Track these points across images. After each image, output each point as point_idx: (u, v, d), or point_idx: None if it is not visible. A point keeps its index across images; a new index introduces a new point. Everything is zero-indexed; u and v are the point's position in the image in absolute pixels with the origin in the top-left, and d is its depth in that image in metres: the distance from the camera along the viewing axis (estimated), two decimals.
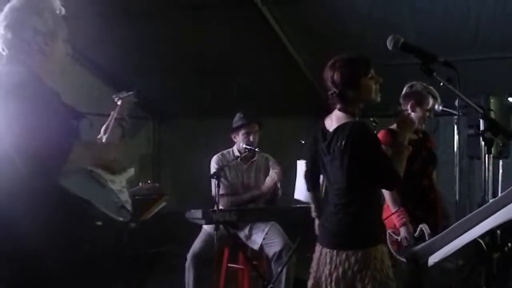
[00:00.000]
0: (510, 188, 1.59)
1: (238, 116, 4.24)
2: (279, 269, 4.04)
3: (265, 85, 7.32)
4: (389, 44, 2.32)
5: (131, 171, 2.43)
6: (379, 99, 2.75)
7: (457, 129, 5.05)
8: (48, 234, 1.99)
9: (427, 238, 3.15)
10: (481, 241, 1.76)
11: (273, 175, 4.29)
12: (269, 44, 7.37)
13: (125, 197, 2.24)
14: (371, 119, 4.05)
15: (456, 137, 4.76)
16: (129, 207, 2.23)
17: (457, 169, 4.41)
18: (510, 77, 7.27)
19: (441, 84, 2.53)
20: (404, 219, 3.45)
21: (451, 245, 1.71)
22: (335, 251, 2.64)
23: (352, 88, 2.67)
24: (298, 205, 4.37)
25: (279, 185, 4.34)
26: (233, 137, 4.23)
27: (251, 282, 4.27)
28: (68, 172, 1.98)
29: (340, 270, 2.63)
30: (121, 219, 2.13)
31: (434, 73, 2.26)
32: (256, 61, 7.53)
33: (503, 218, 1.57)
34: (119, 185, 2.26)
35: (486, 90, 5.52)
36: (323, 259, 2.70)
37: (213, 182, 3.95)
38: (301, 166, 4.63)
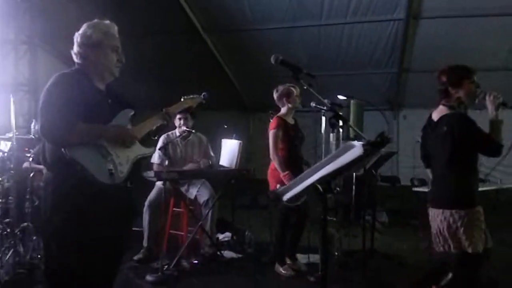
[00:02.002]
0: (336, 150, 1.80)
1: None
2: (207, 212, 4.45)
3: (202, 90, 7.57)
4: (273, 60, 2.35)
5: (145, 150, 2.45)
6: None
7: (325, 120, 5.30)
8: (55, 193, 2.17)
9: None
10: (318, 185, 1.83)
11: (205, 162, 4.68)
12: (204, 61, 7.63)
13: (123, 168, 2.26)
14: (270, 112, 4.39)
15: (323, 125, 4.87)
16: (120, 175, 2.24)
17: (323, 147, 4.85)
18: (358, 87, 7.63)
19: (304, 87, 2.89)
20: (290, 179, 3.62)
21: (299, 187, 1.87)
22: (441, 210, 2.67)
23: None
24: (221, 169, 4.61)
25: (213, 157, 4.81)
26: (175, 122, 4.49)
27: (189, 221, 4.55)
28: (82, 145, 2.13)
29: (445, 224, 2.63)
30: (106, 181, 2.15)
31: (301, 80, 2.35)
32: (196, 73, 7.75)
33: (331, 169, 1.75)
34: (124, 159, 2.28)
35: (349, 95, 6.00)
36: (433, 218, 2.74)
37: (161, 153, 4.30)
38: (225, 143, 4.93)
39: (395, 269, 4.28)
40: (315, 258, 4.21)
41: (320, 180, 1.85)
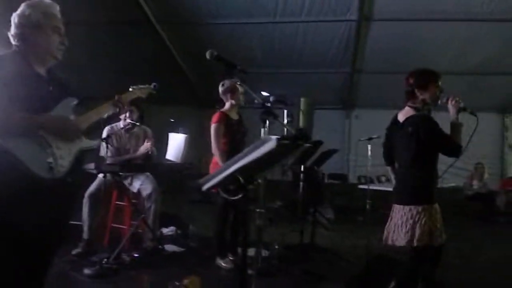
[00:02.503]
0: (254, 143, 1.81)
1: None
2: (150, 205, 4.44)
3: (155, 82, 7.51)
4: (208, 56, 2.37)
5: (89, 143, 2.31)
6: None
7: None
8: None
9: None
10: (239, 176, 1.90)
11: (147, 145, 4.61)
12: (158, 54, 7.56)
13: (64, 162, 2.12)
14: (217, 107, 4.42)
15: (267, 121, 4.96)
16: (61, 169, 2.10)
17: None
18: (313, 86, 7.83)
19: (238, 83, 2.86)
20: None
21: (218, 178, 1.92)
22: (401, 206, 2.82)
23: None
24: (165, 163, 4.62)
25: (154, 149, 4.68)
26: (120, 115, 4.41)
27: (132, 214, 4.54)
28: (18, 135, 2.00)
29: (404, 219, 2.78)
30: (44, 175, 2.02)
31: (235, 77, 2.42)
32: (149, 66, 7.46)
33: (248, 161, 1.82)
34: (66, 151, 2.14)
35: (295, 92, 6.09)
36: (394, 213, 2.88)
37: (104, 144, 4.23)
38: (171, 137, 4.93)
39: (333, 262, 4.41)
40: (253, 252, 4.29)
41: (242, 172, 1.90)
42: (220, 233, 4.12)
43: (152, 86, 2.85)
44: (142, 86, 2.79)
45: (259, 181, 2.90)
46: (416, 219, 2.72)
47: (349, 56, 7.81)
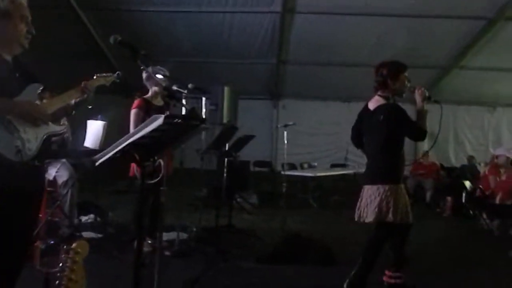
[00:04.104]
0: (145, 121, 1.97)
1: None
2: (66, 192, 4.47)
3: (76, 71, 7.25)
4: (111, 40, 2.37)
5: (56, 127, 2.33)
6: None
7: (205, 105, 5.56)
8: None
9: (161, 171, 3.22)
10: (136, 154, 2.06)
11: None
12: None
13: (31, 146, 2.16)
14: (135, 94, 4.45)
15: (203, 110, 5.26)
16: (28, 152, 2.13)
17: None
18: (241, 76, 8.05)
19: (141, 67, 2.94)
20: None
21: (111, 153, 2.04)
22: (370, 186, 3.04)
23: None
24: (82, 149, 4.61)
25: (68, 135, 4.58)
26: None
27: (47, 202, 4.44)
28: None
29: (373, 197, 2.99)
30: (12, 158, 2.06)
31: (139, 61, 2.40)
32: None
33: (138, 137, 1.95)
34: (33, 136, 2.18)
35: (223, 81, 6.29)
36: (364, 193, 3.10)
37: None
38: (90, 124, 4.92)
39: (248, 242, 4.68)
40: (173, 235, 4.49)
41: (138, 150, 2.09)
42: (139, 217, 4.20)
43: (115, 74, 2.86)
44: (105, 74, 2.79)
45: (160, 160, 3.04)
46: (383, 197, 2.96)
47: (274, 47, 8.15)
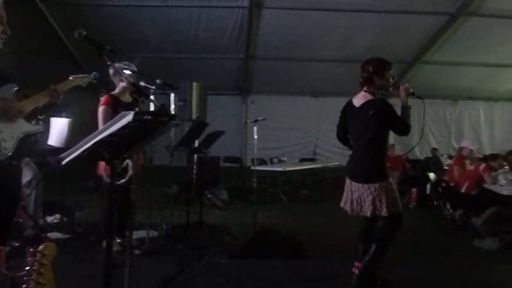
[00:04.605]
0: (114, 118, 1.92)
1: None
2: (30, 192, 4.33)
3: (40, 66, 7.02)
4: (76, 35, 2.29)
5: (33, 127, 2.38)
6: None
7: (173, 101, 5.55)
8: None
9: (129, 171, 3.14)
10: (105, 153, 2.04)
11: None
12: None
13: (7, 145, 2.21)
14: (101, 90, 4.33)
15: (172, 106, 5.35)
16: (4, 151, 2.19)
17: None
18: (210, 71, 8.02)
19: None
20: None
21: (78, 152, 1.98)
22: (361, 184, 3.13)
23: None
24: (47, 148, 4.51)
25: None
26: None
27: None
28: None
29: (365, 195, 3.10)
30: None
31: (105, 57, 2.29)
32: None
33: (106, 135, 1.91)
34: (8, 135, 2.22)
35: (192, 77, 6.25)
36: (354, 189, 3.17)
37: None
38: (54, 121, 4.78)
39: (219, 238, 4.67)
40: (143, 233, 4.43)
41: (108, 148, 2.04)
42: (108, 216, 4.12)
43: (92, 75, 2.85)
44: (81, 75, 2.79)
45: (128, 160, 3.00)
46: (376, 195, 3.08)
47: (243, 42, 8.14)
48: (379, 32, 7.93)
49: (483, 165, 5.74)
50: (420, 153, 10.34)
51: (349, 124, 3.36)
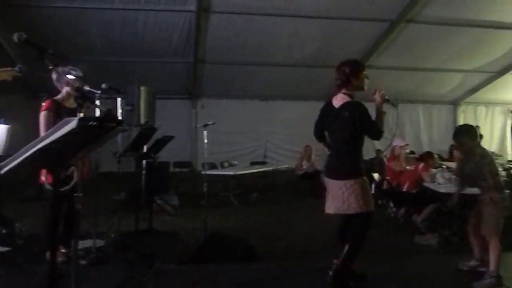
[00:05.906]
0: (57, 125, 1.84)
1: None
2: None
3: None
4: (15, 38, 2.21)
5: None
6: None
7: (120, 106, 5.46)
8: None
9: (74, 178, 3.06)
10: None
11: None
12: None
13: None
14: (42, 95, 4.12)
15: (119, 110, 5.24)
16: None
17: None
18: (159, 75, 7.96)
19: (50, 67, 2.78)
20: None
21: (17, 160, 1.89)
22: (337, 181, 3.24)
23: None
24: None
25: None
26: None
27: None
28: None
29: (341, 192, 3.21)
30: None
31: (46, 61, 2.21)
32: None
33: (48, 142, 1.82)
34: None
35: (139, 81, 6.13)
36: (331, 187, 3.30)
37: None
38: None
39: (170, 244, 4.65)
40: (89, 243, 4.29)
41: (49, 155, 1.96)
42: (52, 227, 3.97)
43: (16, 68, 2.70)
44: (5, 69, 2.62)
45: (73, 168, 2.91)
46: (351, 191, 3.19)
47: (191, 46, 8.05)
48: (325, 37, 8.14)
49: (421, 165, 6.07)
50: (365, 154, 10.69)
51: (328, 124, 3.49)
